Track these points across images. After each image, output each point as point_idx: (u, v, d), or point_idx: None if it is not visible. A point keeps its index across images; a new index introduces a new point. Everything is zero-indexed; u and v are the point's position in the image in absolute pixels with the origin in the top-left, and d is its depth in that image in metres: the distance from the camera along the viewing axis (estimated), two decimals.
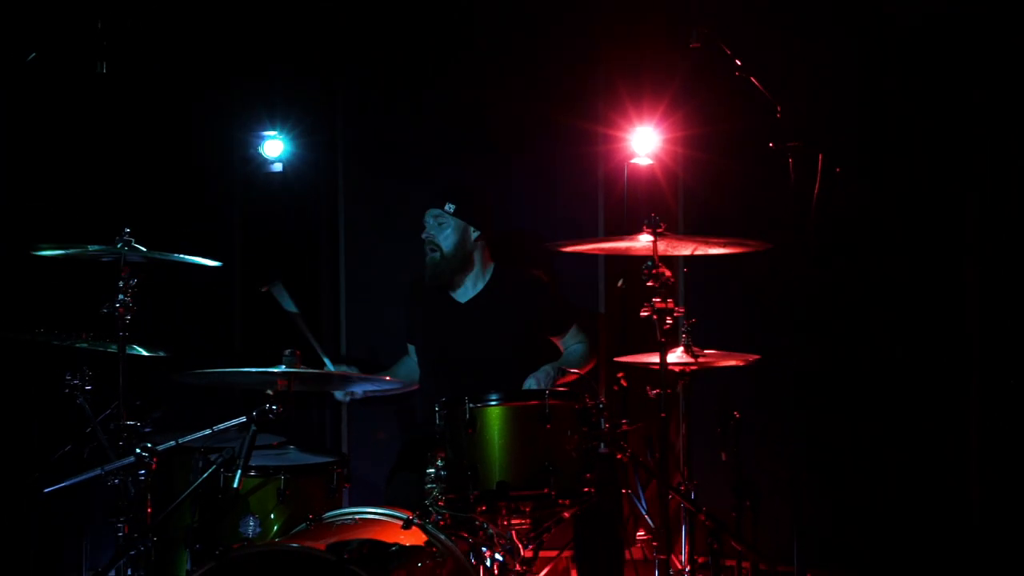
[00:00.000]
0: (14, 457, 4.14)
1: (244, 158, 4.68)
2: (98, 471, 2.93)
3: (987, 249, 3.65)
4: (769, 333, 3.72)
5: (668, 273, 3.00)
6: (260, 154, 4.67)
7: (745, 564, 3.37)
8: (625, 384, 4.24)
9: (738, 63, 2.97)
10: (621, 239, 3.16)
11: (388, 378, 3.10)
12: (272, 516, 3.24)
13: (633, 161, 4.47)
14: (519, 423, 2.91)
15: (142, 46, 4.32)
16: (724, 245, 2.93)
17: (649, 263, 3.00)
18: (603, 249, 3.39)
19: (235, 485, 2.79)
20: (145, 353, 3.65)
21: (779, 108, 2.84)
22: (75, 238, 3.41)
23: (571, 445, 2.94)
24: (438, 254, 3.87)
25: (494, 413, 2.91)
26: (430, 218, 3.90)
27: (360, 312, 4.76)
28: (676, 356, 3.46)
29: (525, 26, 4.60)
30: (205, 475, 2.81)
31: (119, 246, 3.32)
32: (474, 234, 3.90)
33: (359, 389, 3.71)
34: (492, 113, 4.62)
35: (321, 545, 2.57)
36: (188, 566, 3.13)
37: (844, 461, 3.72)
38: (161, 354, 3.69)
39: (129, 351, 3.63)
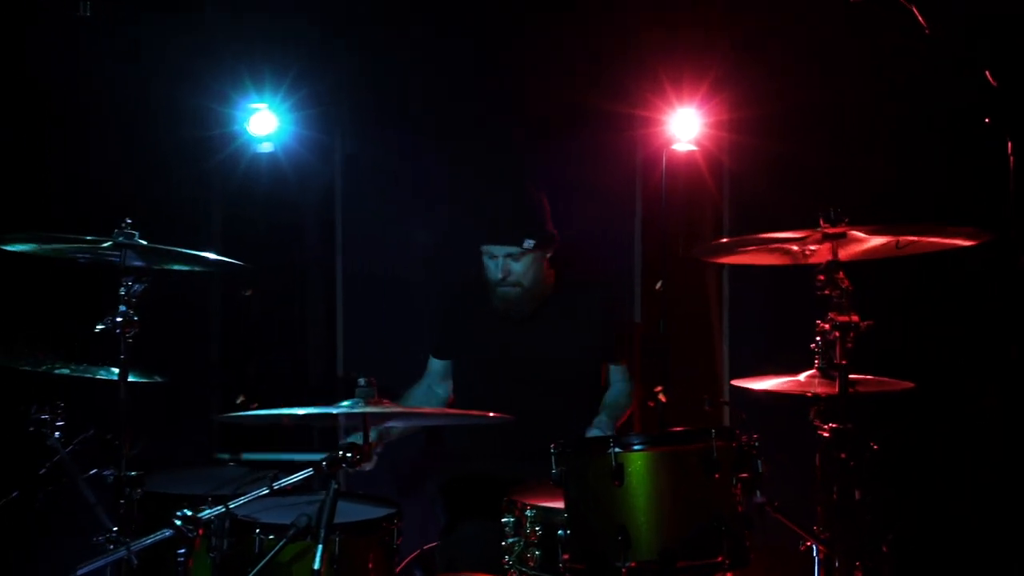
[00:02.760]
0: None
1: (226, 135, 3.98)
2: (122, 552, 2.15)
3: None
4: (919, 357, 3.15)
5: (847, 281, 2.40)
6: (245, 131, 3.97)
7: None
8: (664, 400, 3.77)
9: (923, 22, 2.38)
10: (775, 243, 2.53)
11: (492, 414, 2.42)
12: None
13: (673, 147, 4.03)
14: (684, 472, 2.29)
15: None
16: (937, 235, 2.32)
17: (828, 267, 2.39)
18: (760, 257, 2.76)
19: (316, 567, 2.05)
20: (140, 380, 2.84)
21: (989, 74, 2.27)
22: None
23: (737, 497, 2.32)
24: (517, 290, 3.30)
25: (651, 460, 2.27)
26: (500, 253, 3.29)
27: (360, 321, 4.13)
28: (804, 380, 2.88)
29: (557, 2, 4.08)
30: (279, 546, 2.07)
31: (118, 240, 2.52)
32: (548, 254, 3.37)
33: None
34: (520, 95, 4.08)
35: None
36: None
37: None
38: (158, 379, 2.91)
39: (105, 375, 2.87)
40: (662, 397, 3.76)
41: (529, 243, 3.26)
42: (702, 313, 4.17)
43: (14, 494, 2.96)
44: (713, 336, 4.16)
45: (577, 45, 4.03)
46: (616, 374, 3.48)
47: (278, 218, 4.12)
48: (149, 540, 2.09)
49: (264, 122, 3.94)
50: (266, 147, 3.98)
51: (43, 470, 2.93)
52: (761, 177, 3.92)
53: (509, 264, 3.27)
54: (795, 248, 2.76)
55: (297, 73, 3.98)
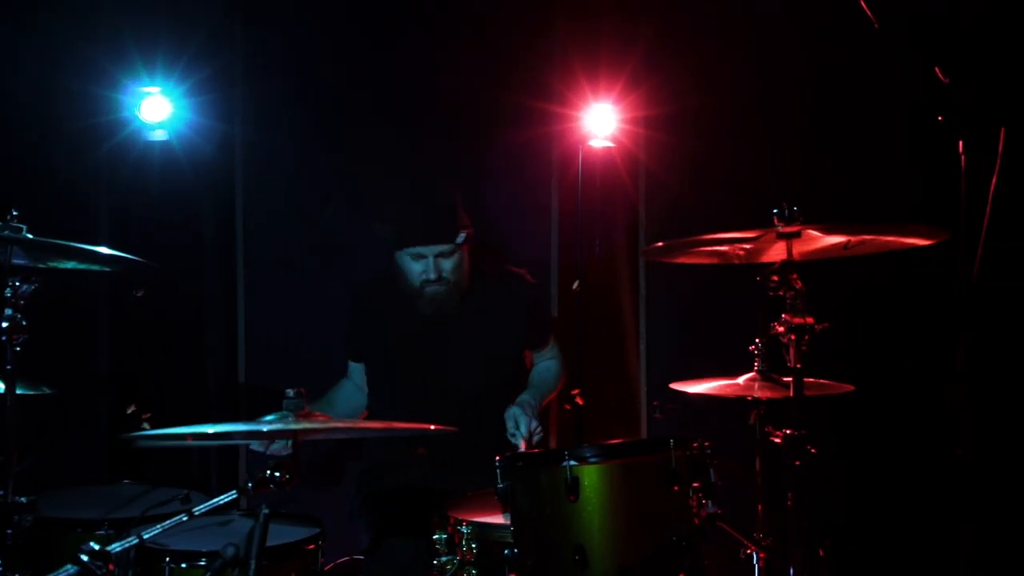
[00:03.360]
0: None
1: (114, 122, 3.66)
2: None
3: None
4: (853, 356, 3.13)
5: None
6: (136, 117, 3.66)
7: None
8: (581, 403, 3.70)
9: (871, 16, 2.33)
10: (732, 241, 2.44)
11: (434, 427, 2.24)
12: None
13: (589, 143, 3.94)
14: (643, 485, 2.16)
15: None
16: (892, 234, 2.27)
17: (779, 268, 2.31)
18: (707, 256, 2.67)
19: None
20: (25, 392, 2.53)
21: (939, 71, 2.23)
22: None
23: (694, 509, 2.21)
24: (445, 286, 3.17)
25: (610, 472, 2.14)
26: (431, 253, 3.16)
27: (264, 327, 3.87)
28: (745, 384, 2.82)
29: None
30: None
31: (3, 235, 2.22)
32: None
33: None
34: (433, 86, 3.93)
35: None
36: None
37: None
38: (46, 391, 2.60)
39: None
40: (579, 400, 3.67)
41: (461, 237, 3.17)
42: (618, 314, 4.10)
43: None
44: (628, 337, 4.10)
45: (491, 37, 3.90)
46: (544, 353, 3.42)
47: (172, 211, 3.81)
48: None
49: (157, 108, 3.63)
50: (159, 135, 3.68)
51: None
52: (677, 174, 3.89)
53: (441, 263, 3.14)
54: (726, 249, 2.69)
55: (193, 54, 3.69)
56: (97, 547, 1.83)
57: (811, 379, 2.82)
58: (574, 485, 2.12)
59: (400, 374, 3.22)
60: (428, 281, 3.14)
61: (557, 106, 3.91)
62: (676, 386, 2.91)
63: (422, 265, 3.14)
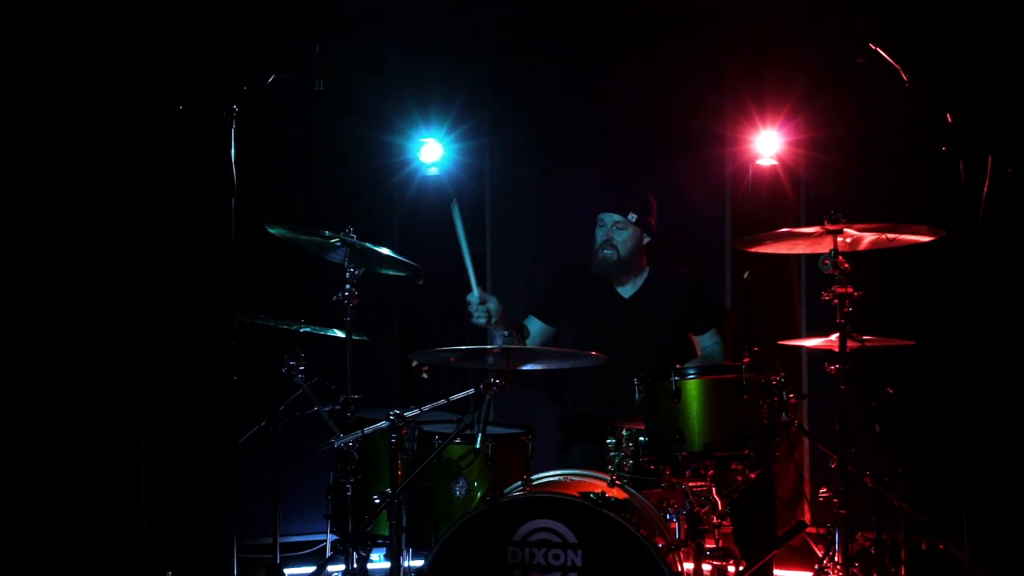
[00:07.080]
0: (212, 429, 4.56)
1: (401, 162, 5.03)
2: (358, 433, 3.37)
3: None
4: (920, 322, 4.04)
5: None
6: (416, 158, 4.99)
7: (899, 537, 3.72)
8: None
9: (904, 77, 3.32)
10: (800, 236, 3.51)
11: (594, 353, 3.48)
12: (478, 479, 3.64)
13: (757, 162, 4.80)
14: (722, 393, 3.32)
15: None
16: (906, 232, 3.28)
17: (830, 254, 3.37)
18: (785, 246, 3.71)
19: (476, 447, 3.21)
20: (354, 337, 4.04)
21: (949, 116, 3.20)
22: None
23: (763, 414, 3.33)
24: (615, 254, 4.19)
25: (699, 384, 3.32)
26: (609, 221, 4.19)
27: (505, 303, 5.02)
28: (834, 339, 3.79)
29: (657, 38, 5.00)
30: (452, 437, 3.24)
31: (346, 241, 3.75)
32: (645, 240, 4.27)
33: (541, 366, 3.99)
34: (631, 120, 4.99)
35: (574, 493, 2.99)
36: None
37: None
38: (365, 338, 4.11)
39: (328, 333, 4.11)
40: None
41: (632, 216, 4.17)
42: (784, 297, 4.98)
43: (263, 423, 4.20)
44: (795, 313, 4.96)
45: (679, 76, 4.90)
46: (706, 339, 4.33)
47: (440, 225, 4.84)
48: (373, 428, 3.28)
49: (432, 151, 4.90)
50: (433, 171, 4.96)
51: (282, 406, 4.18)
52: (831, 187, 4.70)
53: (614, 232, 4.16)
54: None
55: (456, 113, 4.97)
56: (397, 411, 3.26)
57: (879, 337, 3.77)
58: (677, 392, 3.31)
59: (596, 339, 4.18)
60: (602, 244, 4.14)
61: (730, 131, 4.83)
62: (784, 343, 3.97)
63: (602, 233, 4.17)
